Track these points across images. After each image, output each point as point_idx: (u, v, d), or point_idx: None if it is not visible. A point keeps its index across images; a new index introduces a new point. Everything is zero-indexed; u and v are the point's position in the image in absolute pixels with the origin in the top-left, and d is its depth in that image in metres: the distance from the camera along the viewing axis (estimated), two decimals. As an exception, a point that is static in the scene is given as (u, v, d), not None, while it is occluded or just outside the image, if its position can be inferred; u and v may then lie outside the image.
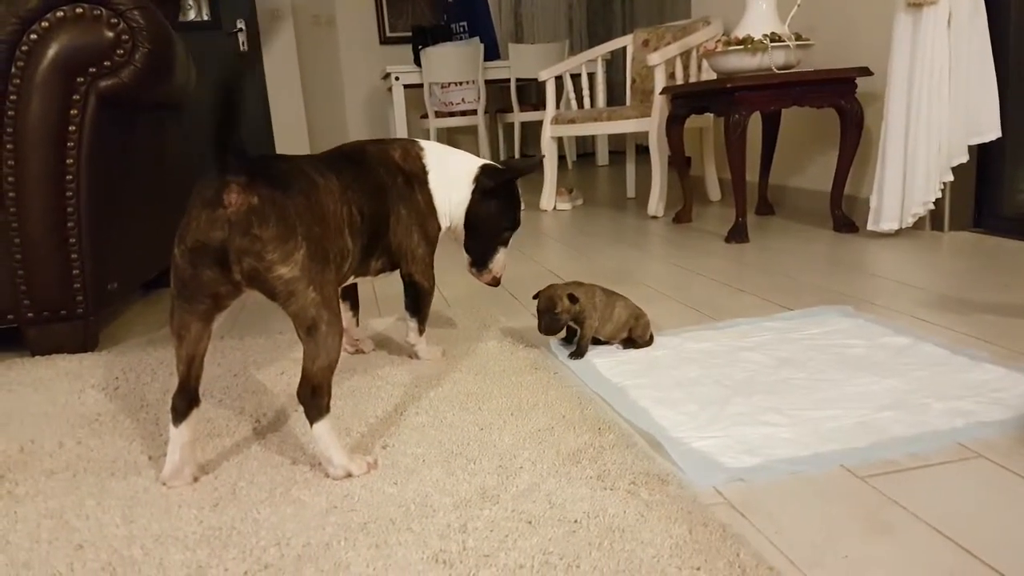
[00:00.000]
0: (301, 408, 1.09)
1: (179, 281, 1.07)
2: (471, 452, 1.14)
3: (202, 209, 1.04)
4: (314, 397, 1.08)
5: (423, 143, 1.54)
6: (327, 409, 1.09)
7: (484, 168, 1.56)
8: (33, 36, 1.63)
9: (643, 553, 0.86)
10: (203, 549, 0.92)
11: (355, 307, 1.68)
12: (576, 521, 0.93)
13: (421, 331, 1.59)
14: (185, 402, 1.11)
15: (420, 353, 1.61)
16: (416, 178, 1.49)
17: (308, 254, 1.06)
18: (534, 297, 1.60)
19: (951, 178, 2.42)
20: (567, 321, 1.56)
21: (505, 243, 1.60)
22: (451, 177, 1.53)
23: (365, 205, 1.35)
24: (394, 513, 0.98)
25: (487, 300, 2.09)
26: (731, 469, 1.05)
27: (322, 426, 1.08)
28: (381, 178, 1.42)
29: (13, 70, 1.63)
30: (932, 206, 2.46)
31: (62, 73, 1.65)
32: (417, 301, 1.56)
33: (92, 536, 0.97)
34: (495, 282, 1.62)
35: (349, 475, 1.09)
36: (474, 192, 1.54)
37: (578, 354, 1.56)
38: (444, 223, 1.55)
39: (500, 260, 1.60)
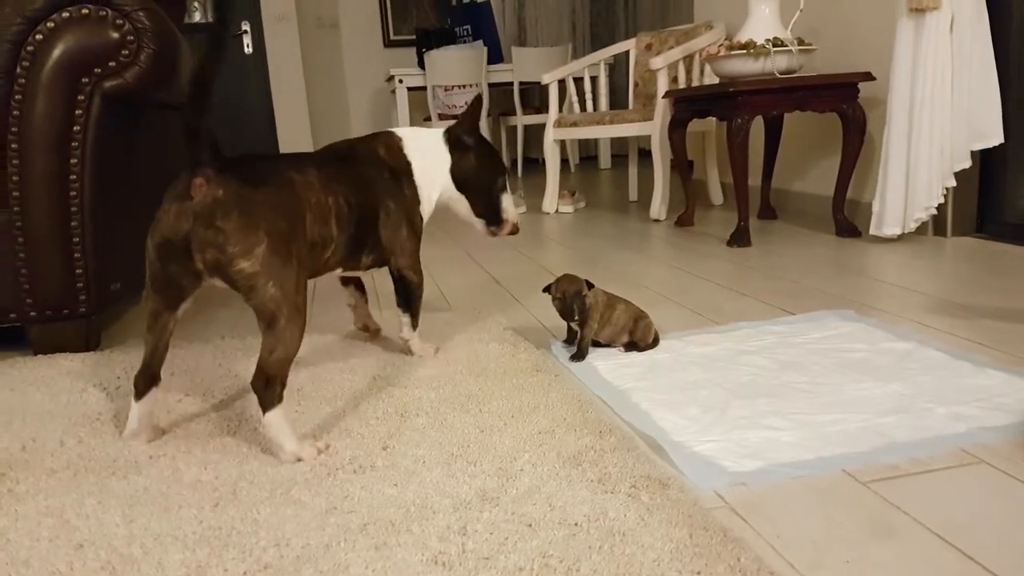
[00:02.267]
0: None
1: (150, 273, 1.16)
2: (471, 454, 1.14)
3: (172, 202, 1.11)
4: (267, 387, 1.13)
5: (400, 132, 1.57)
6: (279, 399, 1.14)
7: (448, 130, 1.61)
8: (38, 36, 1.63)
9: (643, 557, 0.86)
10: (203, 549, 0.92)
11: (360, 287, 1.76)
12: (576, 524, 0.93)
13: (414, 326, 1.61)
14: (145, 380, 1.23)
15: (414, 349, 1.63)
16: (401, 172, 1.52)
17: (269, 249, 1.11)
18: (545, 290, 1.59)
19: (954, 183, 2.42)
20: (583, 308, 1.55)
21: (505, 188, 1.64)
22: (429, 157, 1.57)
23: (352, 196, 1.39)
24: (394, 515, 0.98)
25: (488, 301, 2.10)
26: (732, 473, 1.05)
27: (274, 415, 1.14)
28: (369, 173, 1.46)
29: (18, 70, 1.63)
30: (935, 211, 2.46)
31: (67, 73, 1.65)
32: (408, 295, 1.59)
33: (92, 535, 0.97)
34: (515, 230, 1.66)
35: (299, 460, 1.14)
36: (452, 154, 1.59)
37: (579, 356, 1.56)
38: (427, 211, 1.58)
39: (509, 207, 1.65)
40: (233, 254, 1.09)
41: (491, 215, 1.64)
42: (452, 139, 1.59)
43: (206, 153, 1.08)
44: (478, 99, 1.63)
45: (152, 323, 1.19)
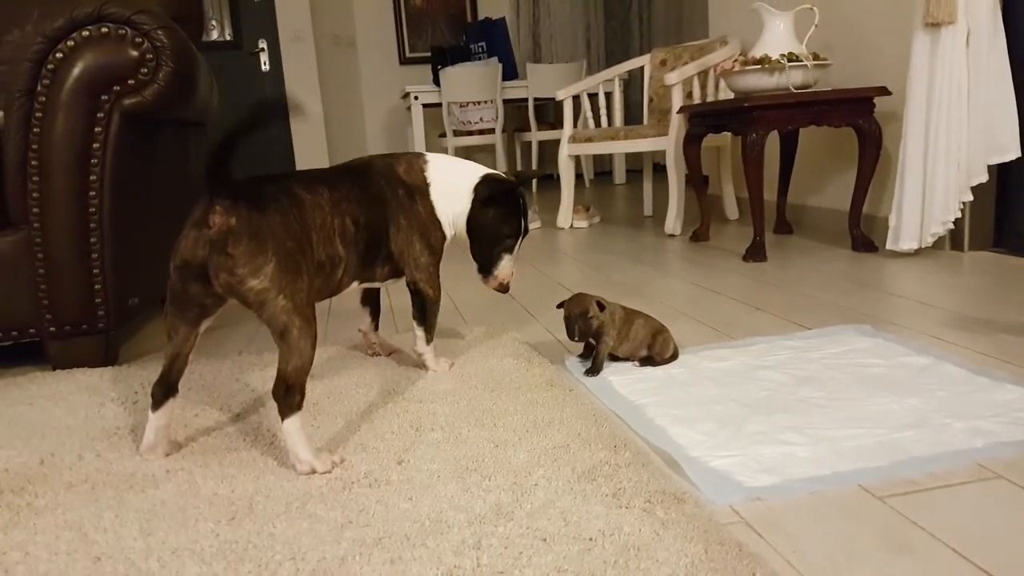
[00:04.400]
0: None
1: (171, 292, 1.21)
2: (486, 469, 1.14)
3: (191, 229, 1.17)
4: (287, 395, 1.16)
5: (429, 156, 1.59)
6: (299, 407, 1.17)
7: (484, 178, 1.60)
8: (59, 55, 1.66)
9: (658, 572, 0.85)
10: (219, 563, 0.92)
11: (375, 314, 1.76)
12: (591, 539, 0.93)
13: (429, 340, 1.62)
14: (163, 391, 1.25)
15: (428, 363, 1.64)
16: (417, 190, 1.54)
17: (277, 267, 1.16)
18: (559, 306, 1.60)
19: (970, 198, 2.40)
20: (596, 327, 1.55)
21: (510, 250, 1.62)
22: (453, 187, 1.58)
23: (361, 215, 1.42)
24: (409, 529, 0.98)
25: (502, 315, 2.10)
26: (748, 488, 1.05)
27: (292, 422, 1.17)
28: (380, 190, 1.49)
29: (39, 88, 1.66)
30: (951, 226, 2.45)
31: (87, 91, 1.68)
32: (423, 309, 1.60)
33: (110, 548, 0.97)
34: (503, 288, 1.64)
35: (313, 471, 1.17)
36: (473, 201, 1.58)
37: (594, 371, 1.56)
38: (449, 232, 1.59)
39: (506, 267, 1.62)
40: (243, 275, 1.14)
41: (485, 266, 1.63)
42: (481, 190, 1.58)
43: (223, 185, 1.14)
44: (533, 172, 1.73)
45: (172, 337, 1.24)
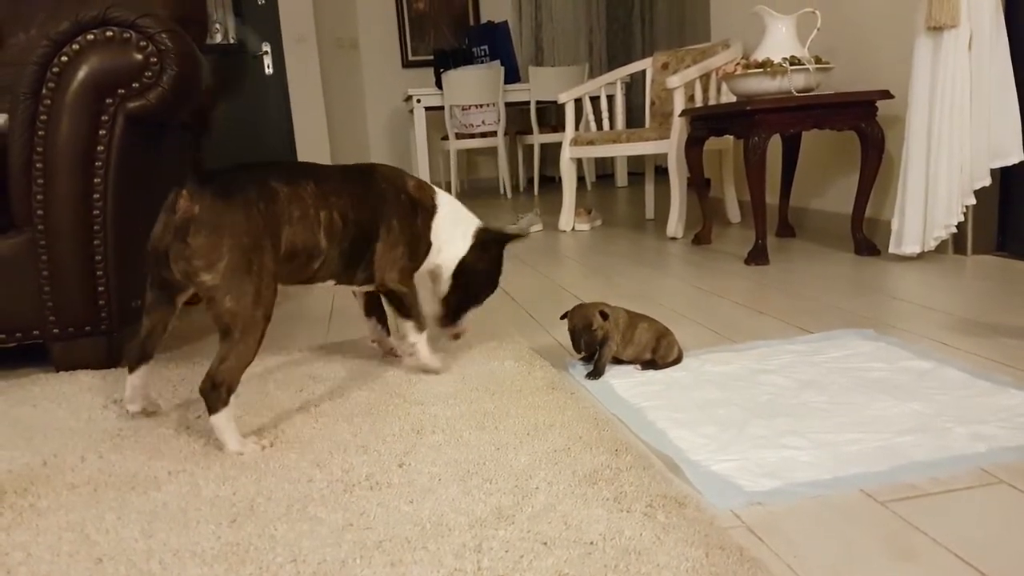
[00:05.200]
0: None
1: (149, 271, 1.31)
2: (487, 472, 1.14)
3: (162, 213, 1.25)
4: (213, 391, 1.23)
5: (440, 191, 1.63)
6: (225, 403, 1.24)
7: (483, 227, 1.64)
8: (64, 58, 1.67)
9: None
10: (220, 564, 0.92)
11: (382, 319, 1.76)
12: (592, 543, 0.93)
13: (420, 328, 1.59)
14: (137, 356, 1.38)
15: (421, 355, 1.61)
16: (422, 206, 1.56)
17: (230, 264, 1.21)
18: (562, 317, 1.60)
19: (973, 201, 2.40)
20: (601, 337, 1.56)
21: (478, 304, 1.67)
22: (457, 226, 1.60)
23: (350, 211, 1.43)
24: (410, 532, 0.98)
25: (504, 319, 2.10)
26: (750, 492, 1.05)
27: (218, 419, 1.25)
28: (381, 190, 1.50)
29: (44, 91, 1.67)
30: (954, 229, 2.45)
31: (91, 94, 1.69)
32: (401, 304, 1.57)
33: (112, 549, 0.98)
34: (457, 337, 1.70)
35: (242, 454, 1.25)
36: (473, 247, 1.61)
37: (595, 374, 1.56)
38: (435, 259, 1.60)
39: (469, 319, 1.67)
40: (198, 267, 1.21)
41: (455, 314, 1.65)
42: (481, 236, 1.62)
43: (194, 170, 1.19)
44: (520, 234, 1.71)
45: (149, 309, 1.35)
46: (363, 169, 1.52)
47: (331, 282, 1.50)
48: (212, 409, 1.24)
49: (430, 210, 1.57)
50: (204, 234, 1.20)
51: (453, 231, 1.60)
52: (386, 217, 1.50)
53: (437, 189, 1.62)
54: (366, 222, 1.47)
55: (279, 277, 1.33)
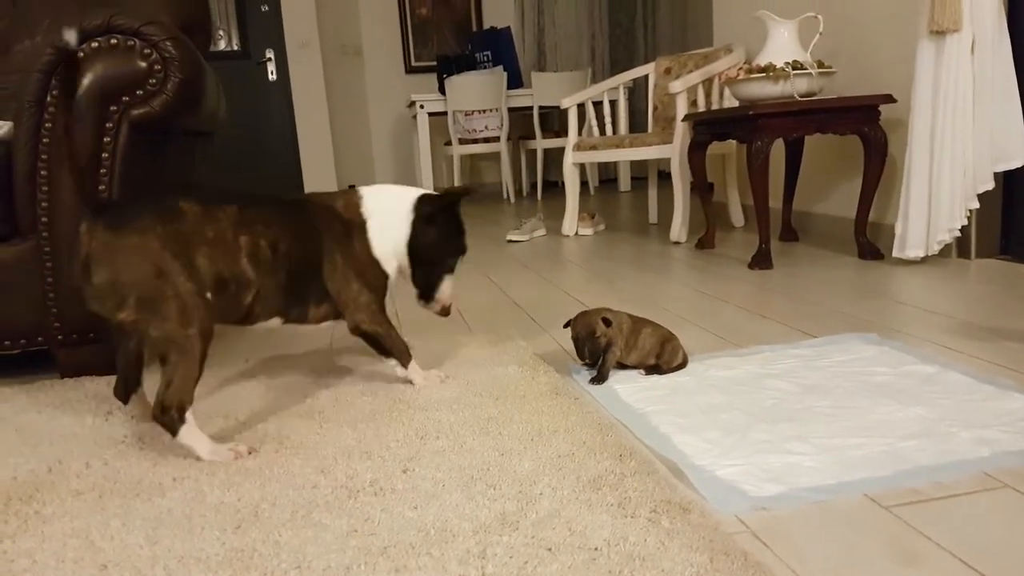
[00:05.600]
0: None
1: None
2: (491, 477, 1.14)
3: (71, 254, 1.28)
4: (164, 414, 1.24)
5: (364, 190, 1.54)
6: (181, 421, 1.25)
7: (421, 198, 1.55)
8: (69, 66, 1.67)
9: (664, 581, 0.85)
10: (225, 571, 0.93)
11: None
12: (596, 549, 0.93)
13: (404, 364, 1.58)
14: (124, 391, 1.42)
15: (416, 383, 1.59)
16: (355, 227, 1.49)
17: (138, 298, 1.21)
18: (565, 326, 1.60)
19: (977, 205, 2.40)
20: (605, 345, 1.56)
21: (451, 270, 1.59)
22: (390, 217, 1.52)
23: (282, 242, 1.38)
24: (414, 538, 0.98)
25: (507, 323, 2.10)
26: (754, 497, 1.04)
27: (182, 436, 1.25)
28: (313, 222, 1.45)
29: (48, 99, 1.67)
30: (958, 233, 2.44)
31: (96, 102, 1.69)
32: (377, 346, 1.55)
33: (116, 556, 0.98)
34: (445, 312, 1.61)
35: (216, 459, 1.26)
36: (413, 223, 1.53)
37: (599, 379, 1.56)
38: (392, 267, 1.54)
39: (446, 289, 1.59)
40: (110, 308, 1.22)
41: (426, 291, 1.59)
42: (420, 210, 1.54)
43: (88, 203, 1.23)
44: (467, 188, 1.63)
45: (117, 345, 1.39)
46: (296, 201, 1.47)
47: (276, 320, 1.45)
48: (172, 431, 1.25)
49: (361, 227, 1.50)
50: (103, 272, 1.20)
51: (390, 230, 1.52)
52: (327, 251, 1.45)
53: (359, 192, 1.54)
54: (303, 254, 1.42)
55: (215, 312, 1.31)
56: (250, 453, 1.28)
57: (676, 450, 1.21)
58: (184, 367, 1.24)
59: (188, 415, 1.25)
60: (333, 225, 1.47)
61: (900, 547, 0.91)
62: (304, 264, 1.42)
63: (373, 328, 1.52)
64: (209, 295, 1.29)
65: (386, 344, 1.55)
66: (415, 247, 1.54)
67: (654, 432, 1.29)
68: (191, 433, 1.26)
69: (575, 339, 1.57)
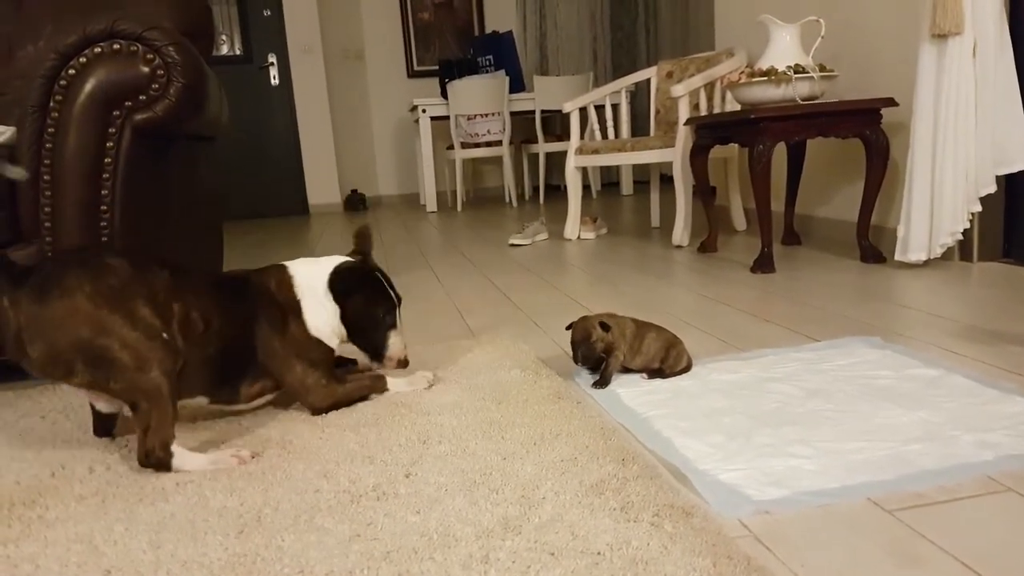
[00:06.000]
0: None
1: None
2: (493, 482, 1.14)
3: None
4: (149, 459, 1.23)
5: (292, 268, 1.50)
6: (169, 456, 1.23)
7: (332, 275, 1.50)
8: (71, 71, 1.68)
9: (666, 585, 0.85)
10: (228, 575, 0.93)
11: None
12: (599, 553, 0.93)
13: (382, 391, 1.56)
14: (99, 431, 1.42)
15: (406, 390, 1.59)
16: (290, 309, 1.46)
17: (85, 361, 1.19)
18: (567, 328, 1.60)
19: (979, 208, 2.40)
20: (602, 350, 1.56)
21: (393, 326, 1.55)
22: (319, 296, 1.49)
23: (215, 319, 1.35)
24: (417, 542, 0.98)
25: (509, 327, 2.10)
26: (757, 501, 1.04)
27: (177, 466, 1.24)
28: (249, 304, 1.42)
29: (51, 104, 1.68)
30: (960, 236, 2.44)
31: (99, 107, 1.70)
32: (348, 405, 1.51)
33: (120, 561, 0.98)
34: (403, 365, 1.56)
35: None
36: (337, 299, 1.50)
37: (602, 383, 1.56)
38: (334, 342, 1.51)
39: (397, 344, 1.55)
40: (58, 377, 1.19)
41: (376, 353, 1.54)
42: (336, 287, 1.49)
43: (3, 272, 1.17)
44: (364, 234, 1.60)
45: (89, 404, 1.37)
46: (233, 280, 1.45)
47: (202, 399, 1.39)
48: (166, 469, 1.23)
49: (295, 308, 1.46)
50: (39, 345, 1.16)
51: (323, 308, 1.49)
52: (265, 339, 1.42)
53: (288, 270, 1.50)
54: (237, 334, 1.38)
55: (176, 348, 1.28)
56: (253, 457, 1.27)
57: (679, 454, 1.21)
58: (157, 411, 1.22)
59: (173, 447, 1.23)
60: (270, 309, 1.44)
61: (903, 551, 0.91)
62: (238, 345, 1.39)
63: (331, 403, 1.48)
64: (165, 334, 1.26)
65: (352, 401, 1.52)
66: (347, 321, 1.51)
67: (657, 436, 1.29)
68: (184, 458, 1.24)
69: (572, 342, 1.57)
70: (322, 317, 1.49)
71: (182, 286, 1.33)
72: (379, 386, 1.57)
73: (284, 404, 1.56)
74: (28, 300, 1.17)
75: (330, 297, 1.50)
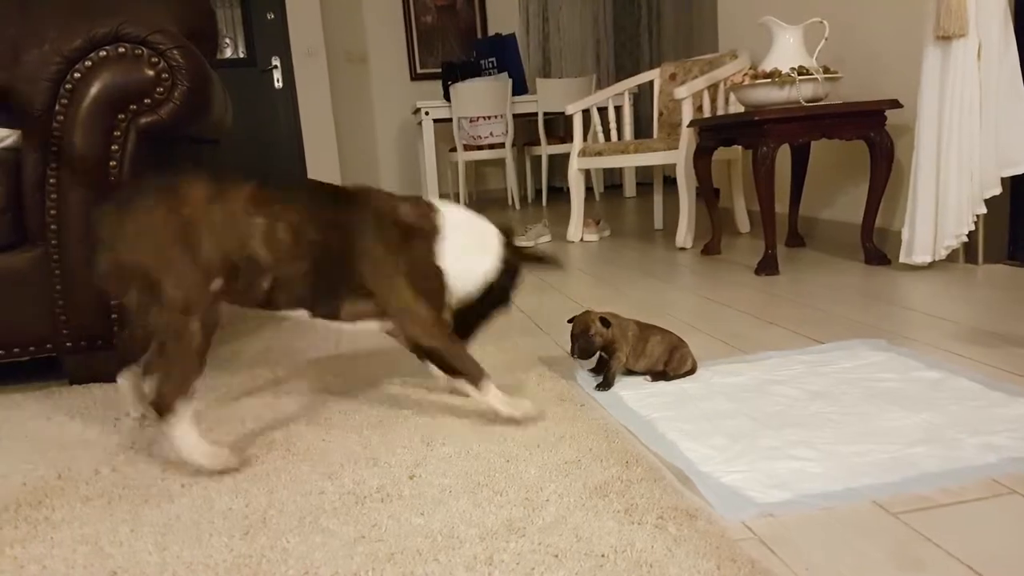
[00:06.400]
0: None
1: None
2: (497, 484, 1.14)
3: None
4: (157, 402, 1.20)
5: (439, 204, 1.42)
6: (170, 413, 1.20)
7: (507, 241, 1.44)
8: (77, 75, 1.69)
9: (671, 587, 0.85)
10: (233, 577, 0.93)
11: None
12: (603, 555, 0.93)
13: (477, 384, 1.36)
14: (118, 358, 1.46)
15: (502, 412, 1.37)
16: (423, 234, 1.35)
17: (142, 282, 1.20)
18: (569, 321, 1.60)
19: (984, 210, 2.40)
20: (600, 345, 1.56)
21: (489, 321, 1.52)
22: (479, 242, 1.41)
23: (308, 229, 1.27)
24: (421, 544, 0.98)
25: (512, 330, 2.10)
26: (760, 504, 1.04)
27: (172, 431, 1.21)
28: (359, 216, 1.32)
29: (57, 107, 1.69)
30: (965, 238, 2.44)
31: (104, 110, 1.70)
32: (442, 360, 1.38)
33: (126, 562, 0.98)
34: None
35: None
36: (504, 260, 1.43)
37: (605, 385, 1.56)
38: (460, 286, 1.40)
39: (477, 333, 1.52)
40: (117, 290, 1.25)
41: (468, 332, 1.49)
42: (510, 252, 1.44)
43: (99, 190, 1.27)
44: (508, 230, 1.49)
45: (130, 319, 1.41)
46: (346, 192, 1.35)
47: (302, 312, 1.34)
48: (163, 418, 1.19)
49: (430, 234, 1.36)
50: (109, 254, 1.20)
51: (469, 250, 1.39)
52: (368, 251, 1.31)
53: (440, 206, 1.41)
54: (333, 248, 1.29)
55: (221, 302, 1.26)
56: (246, 464, 1.21)
57: (682, 456, 1.21)
58: (182, 359, 1.20)
59: (184, 408, 1.19)
60: (388, 227, 1.32)
61: (907, 553, 0.91)
62: (335, 258, 1.29)
63: (431, 342, 1.36)
64: (218, 283, 1.23)
65: (450, 359, 1.37)
66: (494, 283, 1.42)
67: (660, 438, 1.29)
68: (181, 430, 1.20)
69: (571, 335, 1.57)
70: (470, 261, 1.38)
71: (270, 199, 1.26)
72: (478, 376, 1.36)
73: (285, 403, 1.56)
74: (111, 210, 1.21)
75: (497, 252, 1.42)
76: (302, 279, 1.29)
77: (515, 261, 1.46)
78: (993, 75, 2.31)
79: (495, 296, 1.45)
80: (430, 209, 1.39)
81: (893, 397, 1.40)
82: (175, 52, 1.74)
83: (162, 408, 1.19)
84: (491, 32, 7.32)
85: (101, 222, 1.21)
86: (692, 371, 1.61)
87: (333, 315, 1.35)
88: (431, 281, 1.36)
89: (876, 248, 2.75)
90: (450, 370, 1.38)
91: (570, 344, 1.57)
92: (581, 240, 3.96)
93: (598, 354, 1.62)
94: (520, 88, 6.39)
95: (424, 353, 1.41)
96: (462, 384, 1.37)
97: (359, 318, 1.36)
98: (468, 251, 1.40)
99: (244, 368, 1.87)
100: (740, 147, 3.45)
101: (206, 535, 1.04)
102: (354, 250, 1.30)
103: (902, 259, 2.53)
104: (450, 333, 1.39)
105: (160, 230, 1.20)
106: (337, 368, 1.83)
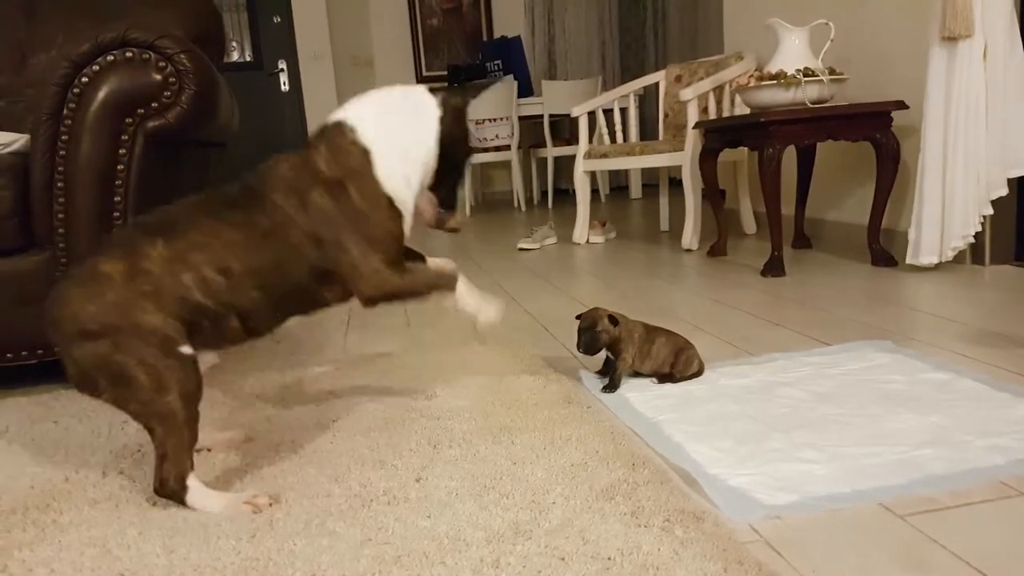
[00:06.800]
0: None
1: None
2: (504, 486, 1.14)
3: None
4: (164, 488, 1.13)
5: (353, 116, 1.28)
6: (184, 490, 1.13)
7: (444, 94, 1.35)
8: (84, 79, 1.69)
9: (677, 590, 0.85)
10: (240, 580, 0.93)
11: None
12: (610, 558, 0.93)
13: (452, 289, 1.35)
14: None
15: (473, 309, 1.39)
16: (350, 172, 1.23)
17: (107, 377, 1.12)
18: (577, 317, 1.61)
19: (991, 211, 2.39)
20: (606, 342, 1.56)
21: (463, 175, 1.42)
22: (404, 125, 1.30)
23: (232, 260, 1.17)
24: (427, 547, 0.98)
25: (519, 332, 2.10)
26: (767, 506, 1.04)
27: (191, 502, 1.13)
28: (276, 215, 1.20)
29: (65, 112, 1.70)
30: (972, 239, 2.43)
31: (112, 114, 1.71)
32: (408, 299, 1.31)
33: (133, 565, 0.99)
34: (455, 230, 1.42)
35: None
36: (442, 119, 1.33)
37: (611, 387, 1.56)
38: (414, 186, 1.31)
39: (461, 199, 1.47)
40: (92, 393, 1.15)
41: (451, 197, 1.40)
42: (448, 103, 1.33)
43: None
44: (477, 90, 1.45)
45: None
46: (248, 186, 1.23)
47: (291, 320, 1.28)
48: (179, 502, 1.14)
49: (360, 167, 1.24)
50: (68, 364, 1.14)
51: (406, 136, 1.29)
52: (302, 231, 1.20)
53: (350, 125, 1.26)
54: (267, 256, 1.19)
55: (205, 346, 1.19)
56: (270, 504, 1.14)
57: (689, 459, 1.21)
58: (173, 438, 1.12)
59: (190, 480, 1.13)
60: (304, 192, 1.21)
61: (914, 556, 0.91)
62: (278, 261, 1.20)
63: (384, 290, 1.26)
64: (184, 349, 1.14)
65: (415, 293, 1.30)
66: (447, 146, 1.34)
67: (667, 441, 1.29)
68: (199, 495, 1.14)
69: (578, 329, 1.57)
70: (406, 153, 1.28)
71: (176, 256, 1.15)
72: (449, 284, 1.34)
73: (296, 410, 1.57)
74: (50, 326, 1.15)
75: (433, 116, 1.32)
76: (266, 298, 1.21)
77: (453, 104, 1.36)
78: (999, 76, 2.31)
79: (454, 148, 1.37)
80: (346, 138, 1.26)
81: (900, 399, 1.40)
82: (182, 56, 1.74)
83: (172, 494, 1.13)
84: (496, 35, 7.32)
85: (49, 334, 1.15)
86: (699, 373, 1.61)
87: (323, 304, 1.29)
88: (375, 216, 1.24)
89: (883, 249, 2.74)
90: (421, 299, 1.33)
91: (576, 338, 1.58)
92: (587, 242, 3.95)
93: (605, 356, 1.62)
94: (526, 90, 6.39)
95: (381, 303, 1.28)
96: (434, 298, 1.34)
97: (343, 299, 1.30)
98: (406, 139, 1.30)
99: (251, 372, 1.88)
100: (746, 149, 3.44)
101: (213, 538, 1.04)
102: (289, 239, 1.20)
103: (908, 260, 2.53)
104: (400, 267, 1.29)
105: (98, 321, 1.11)
106: (343, 370, 1.83)
